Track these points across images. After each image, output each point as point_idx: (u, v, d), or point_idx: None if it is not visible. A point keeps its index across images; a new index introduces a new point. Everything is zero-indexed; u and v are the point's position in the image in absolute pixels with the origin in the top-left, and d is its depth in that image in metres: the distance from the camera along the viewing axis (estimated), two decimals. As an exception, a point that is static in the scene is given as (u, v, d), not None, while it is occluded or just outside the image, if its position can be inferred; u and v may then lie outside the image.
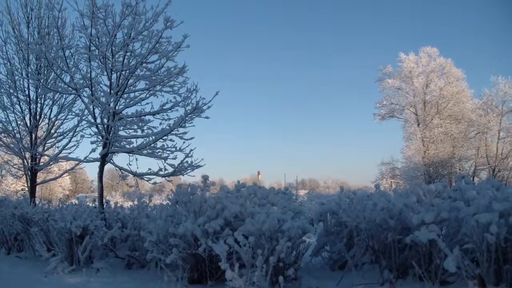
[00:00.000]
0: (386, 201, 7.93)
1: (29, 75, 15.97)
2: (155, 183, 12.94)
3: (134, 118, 12.20)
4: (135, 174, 12.48)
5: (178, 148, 12.24)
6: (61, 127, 16.51)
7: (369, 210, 8.03)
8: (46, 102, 16.44)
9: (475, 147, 47.88)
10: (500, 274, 6.73)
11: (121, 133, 12.23)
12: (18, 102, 16.13)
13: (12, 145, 15.90)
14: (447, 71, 47.54)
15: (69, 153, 15.73)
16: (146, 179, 12.65)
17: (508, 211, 6.69)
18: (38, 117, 16.29)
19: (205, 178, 8.91)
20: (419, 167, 46.07)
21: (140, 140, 12.19)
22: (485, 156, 48.06)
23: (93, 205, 12.26)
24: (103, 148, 12.02)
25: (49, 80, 15.90)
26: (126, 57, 11.92)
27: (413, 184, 40.45)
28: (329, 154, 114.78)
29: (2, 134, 15.94)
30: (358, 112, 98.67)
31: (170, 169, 12.23)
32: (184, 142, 12.24)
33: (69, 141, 15.77)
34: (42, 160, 16.71)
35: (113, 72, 11.99)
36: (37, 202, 14.70)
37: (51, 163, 16.32)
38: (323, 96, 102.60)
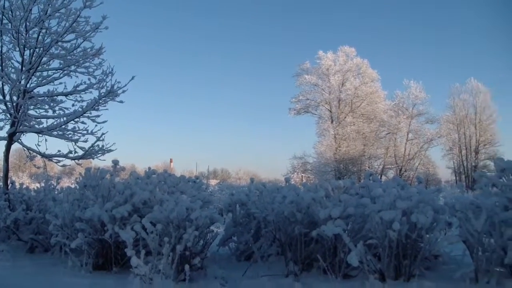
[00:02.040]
0: (295, 194, 8.04)
1: None
2: (64, 165, 12.56)
3: (46, 98, 11.81)
4: (43, 155, 12.08)
5: (89, 131, 11.92)
6: (-34, 102, 15.66)
7: (278, 203, 8.13)
8: (-50, 75, 15.53)
9: (384, 146, 49.66)
10: (399, 269, 7.01)
11: (31, 112, 11.81)
12: None
13: None
14: (363, 71, 48.86)
15: (-26, 130, 14.96)
16: (55, 161, 12.26)
17: (411, 210, 6.98)
18: None
19: (115, 163, 8.77)
20: (330, 163, 47.12)
21: (50, 121, 11.81)
22: (394, 156, 49.98)
23: (-3, 185, 11.79)
24: (11, 126, 11.56)
25: (-45, 52, 15.06)
26: (41, 34, 11.49)
27: (323, 179, 41.36)
28: (242, 145, 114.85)
29: None
30: (274, 106, 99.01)
31: (80, 152, 11.92)
32: (96, 125, 11.95)
33: (-25, 118, 15.00)
34: None
35: (26, 49, 11.53)
36: None
37: (-47, 139, 15.52)
38: (238, 86, 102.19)
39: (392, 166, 51.10)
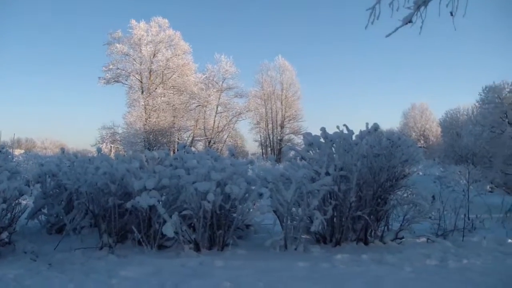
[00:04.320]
0: (109, 165, 7.85)
1: None
2: None
3: None
4: None
5: None
6: None
7: (91, 174, 7.87)
8: None
9: (194, 118, 50.34)
10: (214, 239, 7.20)
11: None
12: None
13: None
14: (175, 43, 48.76)
15: None
16: None
17: (225, 181, 7.16)
18: None
19: None
20: (139, 133, 46.64)
21: None
22: (203, 128, 50.97)
23: None
24: None
25: None
26: None
27: (132, 150, 40.94)
28: (48, 114, 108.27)
29: None
30: (82, 74, 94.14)
31: None
32: None
33: None
34: None
35: None
36: None
37: None
38: (43, 50, 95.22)
39: (201, 138, 52.07)
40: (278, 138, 59.32)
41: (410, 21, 4.25)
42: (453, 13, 4.05)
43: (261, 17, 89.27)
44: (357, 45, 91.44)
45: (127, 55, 48.13)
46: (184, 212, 7.10)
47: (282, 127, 59.76)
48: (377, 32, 4.49)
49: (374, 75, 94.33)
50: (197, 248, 7.06)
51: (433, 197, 8.48)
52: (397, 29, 4.36)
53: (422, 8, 4.21)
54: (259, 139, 61.57)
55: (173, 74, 48.04)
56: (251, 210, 7.57)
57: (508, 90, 25.74)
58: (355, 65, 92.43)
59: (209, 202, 6.82)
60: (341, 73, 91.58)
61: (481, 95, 27.58)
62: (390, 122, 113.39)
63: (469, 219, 9.03)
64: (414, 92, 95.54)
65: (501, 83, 26.45)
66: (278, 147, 58.30)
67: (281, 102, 59.50)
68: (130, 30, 48.06)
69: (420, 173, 31.82)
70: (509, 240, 8.01)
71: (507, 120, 24.12)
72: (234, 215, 7.39)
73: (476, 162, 28.22)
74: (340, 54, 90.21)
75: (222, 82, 52.11)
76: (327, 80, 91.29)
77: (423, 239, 8.14)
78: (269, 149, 59.61)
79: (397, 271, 6.18)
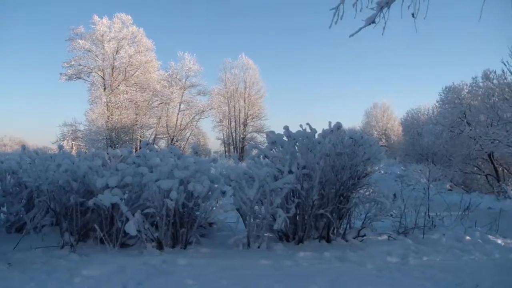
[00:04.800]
0: (71, 163, 7.77)
1: None
2: None
3: None
4: None
5: None
6: None
7: (52, 171, 7.78)
8: None
9: (157, 116, 50.04)
10: (177, 237, 7.18)
11: None
12: None
13: None
14: (138, 40, 48.30)
15: None
16: None
17: (188, 179, 7.14)
18: None
19: None
20: (102, 131, 46.06)
21: None
22: (166, 126, 50.65)
23: None
24: None
25: None
26: None
27: (95, 147, 40.46)
28: (6, 110, 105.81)
29: None
30: (42, 68, 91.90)
31: None
32: None
33: None
34: None
35: None
36: None
37: None
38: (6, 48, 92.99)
39: (164, 136, 51.76)
40: (241, 136, 59.29)
41: (373, 22, 4.31)
42: (415, 15, 4.12)
43: (226, 14, 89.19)
44: (323, 44, 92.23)
45: (89, 51, 47.43)
46: (147, 210, 7.08)
47: (245, 125, 59.77)
48: (342, 31, 4.54)
49: (337, 75, 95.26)
50: (160, 246, 7.04)
51: (394, 195, 8.60)
52: (360, 29, 4.42)
53: (385, 10, 4.28)
54: (222, 137, 61.47)
55: (136, 71, 47.59)
56: (214, 208, 7.57)
57: (467, 90, 26.27)
58: (319, 64, 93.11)
59: (172, 200, 6.81)
60: (305, 72, 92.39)
61: (441, 95, 28.14)
62: (352, 121, 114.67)
63: (429, 217, 9.18)
64: (377, 91, 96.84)
65: (460, 84, 27.05)
66: (240, 146, 58.32)
67: (244, 100, 59.47)
68: (92, 26, 47.41)
69: (382, 172, 32.28)
70: (467, 237, 8.19)
71: (465, 120, 24.57)
72: (197, 213, 7.39)
73: (436, 161, 28.75)
74: (305, 51, 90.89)
75: (185, 80, 51.93)
76: (291, 78, 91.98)
77: (385, 237, 8.27)
78: (232, 147, 59.55)
79: (359, 268, 6.29)
